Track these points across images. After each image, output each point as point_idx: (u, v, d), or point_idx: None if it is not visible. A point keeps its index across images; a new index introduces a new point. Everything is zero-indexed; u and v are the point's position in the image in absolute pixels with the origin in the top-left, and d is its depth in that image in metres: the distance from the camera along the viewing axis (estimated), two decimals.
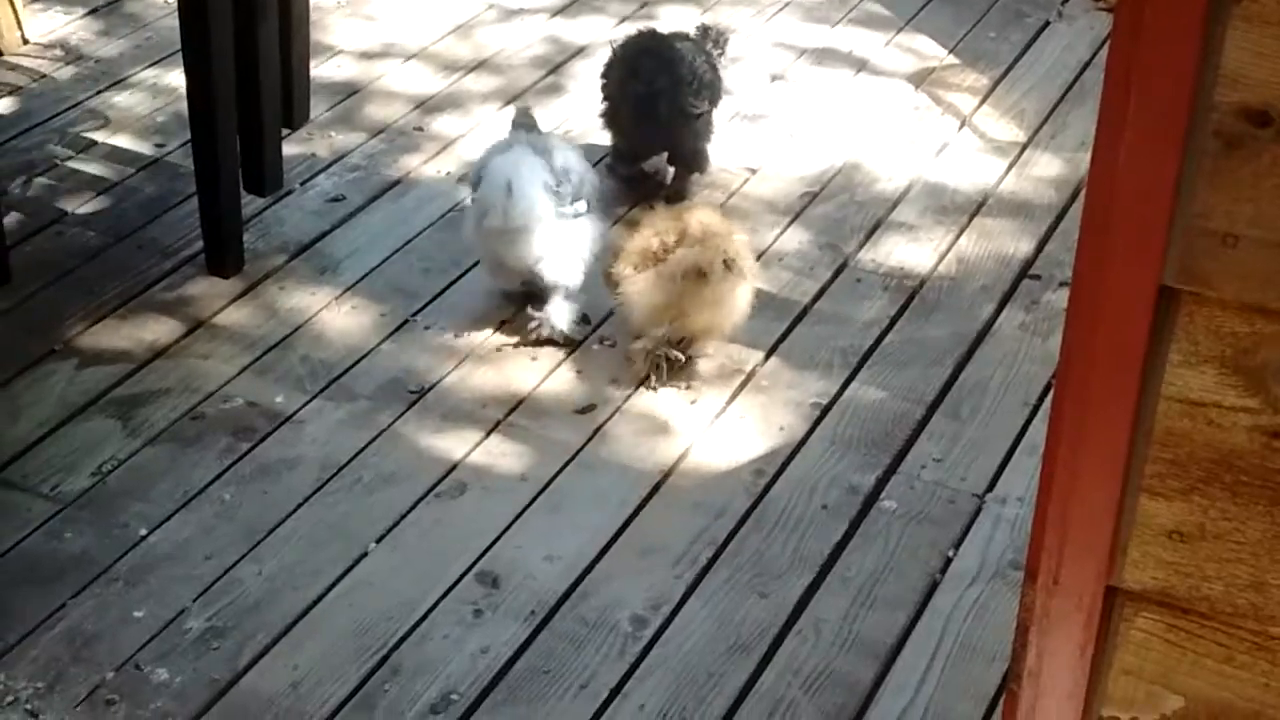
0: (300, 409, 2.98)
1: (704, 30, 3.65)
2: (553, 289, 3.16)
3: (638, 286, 3.01)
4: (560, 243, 3.13)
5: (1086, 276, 1.34)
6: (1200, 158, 1.22)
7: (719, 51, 3.60)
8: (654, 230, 3.03)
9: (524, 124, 3.26)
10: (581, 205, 3.15)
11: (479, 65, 4.09)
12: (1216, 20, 1.18)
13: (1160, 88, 1.21)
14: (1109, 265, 1.29)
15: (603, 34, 4.20)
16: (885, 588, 2.63)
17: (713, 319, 3.02)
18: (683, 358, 3.04)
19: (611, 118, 3.61)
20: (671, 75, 3.48)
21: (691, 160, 3.59)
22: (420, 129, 3.82)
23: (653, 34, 3.63)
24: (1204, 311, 1.27)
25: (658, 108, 3.47)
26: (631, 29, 3.96)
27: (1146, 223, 1.26)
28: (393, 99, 3.93)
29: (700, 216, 3.05)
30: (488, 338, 3.17)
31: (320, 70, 3.88)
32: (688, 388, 3.04)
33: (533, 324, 3.15)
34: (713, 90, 3.55)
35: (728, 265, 2.96)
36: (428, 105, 3.90)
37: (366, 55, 4.10)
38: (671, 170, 3.63)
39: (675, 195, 3.56)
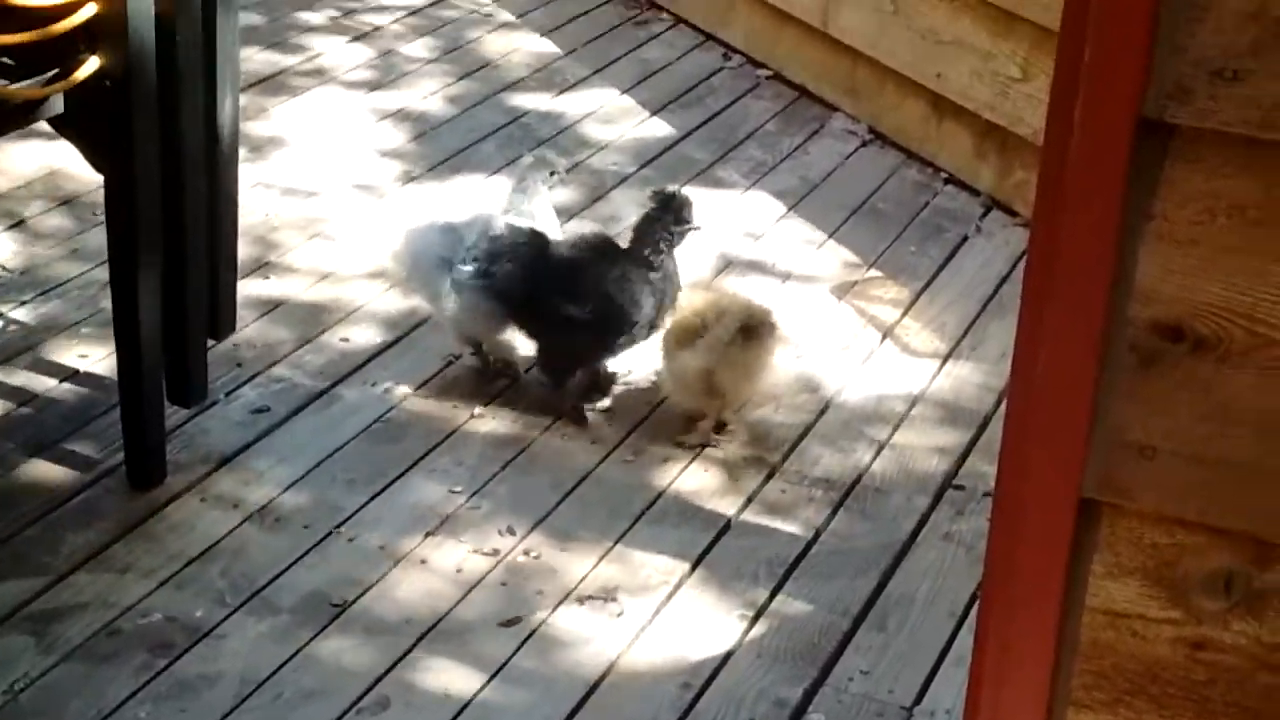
0: (220, 623, 2.93)
1: (662, 198, 3.53)
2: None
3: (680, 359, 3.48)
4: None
5: (1008, 488, 1.35)
6: (1117, 372, 1.24)
7: (678, 222, 3.50)
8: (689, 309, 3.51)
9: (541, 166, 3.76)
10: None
11: None
12: (1129, 237, 1.21)
13: (1075, 303, 1.23)
14: (1030, 477, 1.30)
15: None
16: None
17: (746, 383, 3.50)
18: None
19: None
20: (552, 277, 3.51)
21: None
22: (346, 340, 3.82)
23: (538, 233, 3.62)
24: (1125, 523, 1.28)
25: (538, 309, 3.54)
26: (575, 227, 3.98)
27: (1066, 435, 1.27)
28: (319, 310, 3.94)
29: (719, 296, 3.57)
30: (412, 550, 3.14)
31: (247, 280, 3.88)
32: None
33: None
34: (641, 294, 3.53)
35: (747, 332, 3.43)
36: (354, 316, 3.91)
37: (293, 267, 4.12)
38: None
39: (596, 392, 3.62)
